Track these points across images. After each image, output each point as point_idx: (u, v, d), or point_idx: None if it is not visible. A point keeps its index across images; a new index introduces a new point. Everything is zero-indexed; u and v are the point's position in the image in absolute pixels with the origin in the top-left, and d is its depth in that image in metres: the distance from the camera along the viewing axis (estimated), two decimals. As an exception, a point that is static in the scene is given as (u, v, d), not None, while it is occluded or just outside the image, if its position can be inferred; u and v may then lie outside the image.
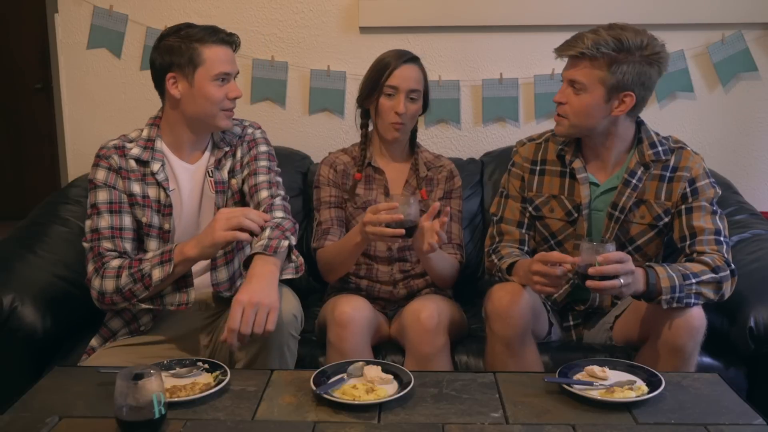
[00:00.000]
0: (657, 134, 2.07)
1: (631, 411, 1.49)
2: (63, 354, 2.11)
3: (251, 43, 2.87)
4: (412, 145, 2.35)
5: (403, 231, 1.87)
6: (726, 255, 1.94)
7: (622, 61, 1.90)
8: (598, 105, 1.95)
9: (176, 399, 1.49)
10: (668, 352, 1.85)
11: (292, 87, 2.89)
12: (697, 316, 1.84)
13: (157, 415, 1.31)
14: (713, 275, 1.89)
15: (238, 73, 2.00)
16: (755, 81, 2.84)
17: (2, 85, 5.15)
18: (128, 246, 1.94)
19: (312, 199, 2.48)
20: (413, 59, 2.24)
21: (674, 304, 1.85)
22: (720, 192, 2.03)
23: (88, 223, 1.95)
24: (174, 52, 1.92)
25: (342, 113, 2.89)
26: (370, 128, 2.31)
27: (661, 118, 2.84)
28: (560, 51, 1.97)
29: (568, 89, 1.97)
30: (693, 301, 1.86)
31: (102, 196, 1.94)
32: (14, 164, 5.28)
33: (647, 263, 1.91)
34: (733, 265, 1.93)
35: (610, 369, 1.64)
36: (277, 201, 2.00)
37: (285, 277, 1.84)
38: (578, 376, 1.62)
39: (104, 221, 1.92)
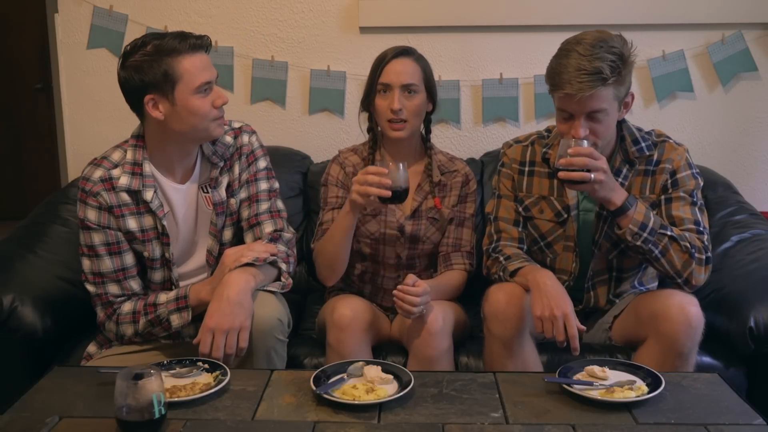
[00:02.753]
0: (639, 129, 2.06)
1: (631, 411, 1.49)
2: (63, 354, 2.11)
3: (251, 43, 2.87)
4: (425, 146, 2.25)
5: (389, 193, 1.86)
6: (706, 243, 1.95)
7: (626, 69, 1.88)
8: (615, 119, 1.94)
9: (176, 399, 1.49)
10: (666, 352, 1.85)
11: (292, 87, 2.89)
12: (695, 316, 1.84)
13: (157, 415, 1.31)
14: (688, 246, 1.91)
15: (218, 76, 1.85)
16: (755, 81, 2.83)
17: (2, 85, 5.14)
18: (135, 284, 1.91)
19: (312, 200, 2.48)
20: (405, 52, 2.12)
21: (639, 242, 1.88)
22: (702, 183, 2.04)
23: (86, 263, 1.88)
24: (145, 71, 1.75)
25: (342, 113, 2.89)
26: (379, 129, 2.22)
27: (661, 118, 2.84)
28: (579, 90, 1.81)
29: (587, 122, 1.88)
30: (657, 252, 1.90)
31: (98, 238, 1.85)
32: (14, 164, 5.28)
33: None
34: (710, 254, 1.95)
35: (610, 369, 1.64)
36: (283, 235, 1.96)
37: (268, 288, 1.83)
38: (578, 376, 1.62)
39: (105, 265, 1.86)
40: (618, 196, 1.89)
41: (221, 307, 1.70)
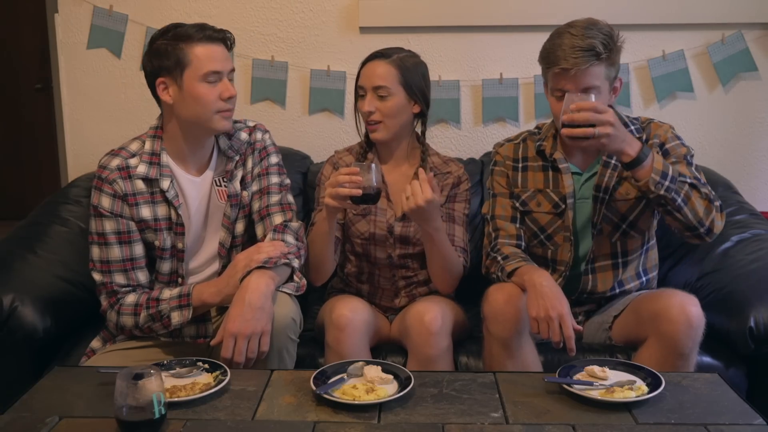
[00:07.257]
0: (627, 116, 2.11)
1: (631, 411, 1.49)
2: (63, 354, 2.11)
3: (251, 43, 2.87)
4: (420, 148, 2.25)
5: (359, 191, 1.83)
6: (713, 193, 1.96)
7: (616, 50, 1.94)
8: (606, 102, 1.96)
9: (176, 399, 1.49)
10: (667, 352, 1.85)
11: (292, 87, 2.89)
12: (695, 316, 1.84)
13: (157, 415, 1.31)
14: (706, 192, 1.92)
15: (233, 70, 1.90)
16: (755, 81, 2.83)
17: (2, 85, 5.15)
18: (141, 276, 1.91)
19: (312, 200, 2.47)
20: (380, 55, 2.14)
21: (662, 191, 1.85)
22: (693, 151, 2.05)
23: (95, 250, 1.89)
24: (162, 56, 1.83)
25: (342, 113, 2.89)
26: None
27: (661, 118, 2.80)
28: (575, 64, 1.87)
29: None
30: (680, 200, 1.88)
31: (109, 225, 1.87)
32: (14, 164, 5.28)
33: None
34: (720, 202, 1.96)
35: (610, 369, 1.64)
36: (290, 225, 1.97)
37: (283, 290, 1.84)
38: (578, 376, 1.62)
39: (114, 253, 1.88)
40: (632, 147, 1.86)
41: (243, 312, 1.71)
